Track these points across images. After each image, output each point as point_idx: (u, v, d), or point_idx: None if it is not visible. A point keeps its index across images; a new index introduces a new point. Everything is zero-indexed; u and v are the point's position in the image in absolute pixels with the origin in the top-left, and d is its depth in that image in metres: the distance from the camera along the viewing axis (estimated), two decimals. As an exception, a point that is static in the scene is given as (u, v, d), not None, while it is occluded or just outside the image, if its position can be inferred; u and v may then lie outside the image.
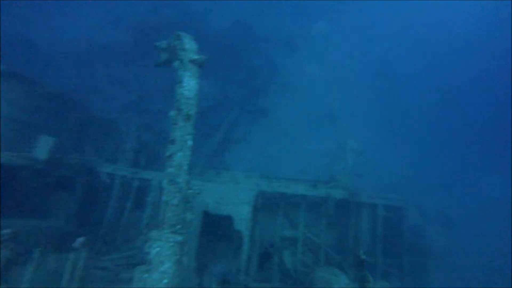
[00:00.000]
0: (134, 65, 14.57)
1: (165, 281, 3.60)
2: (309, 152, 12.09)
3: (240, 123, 12.27)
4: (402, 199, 6.74)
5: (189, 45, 4.33)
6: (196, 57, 4.12)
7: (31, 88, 7.35)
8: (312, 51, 18.12)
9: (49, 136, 6.58)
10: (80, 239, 4.05)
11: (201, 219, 5.71)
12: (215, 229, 6.10)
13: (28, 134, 6.93)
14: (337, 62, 17.65)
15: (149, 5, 19.07)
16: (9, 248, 3.87)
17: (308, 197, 6.75)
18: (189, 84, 3.93)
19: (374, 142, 12.65)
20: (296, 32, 18.99)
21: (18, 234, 3.92)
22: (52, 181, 7.11)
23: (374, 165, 11.13)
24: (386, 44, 20.13)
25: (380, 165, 11.83)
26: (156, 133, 10.06)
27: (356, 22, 20.86)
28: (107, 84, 13.86)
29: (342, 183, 6.48)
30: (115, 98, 13.01)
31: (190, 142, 3.78)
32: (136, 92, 12.74)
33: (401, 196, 6.80)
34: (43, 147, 6.22)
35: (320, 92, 15.34)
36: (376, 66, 17.75)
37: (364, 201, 6.75)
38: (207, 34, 14.86)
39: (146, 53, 14.27)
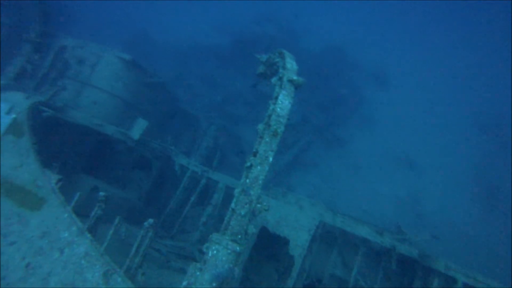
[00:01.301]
0: (226, 69, 15.49)
1: (214, 284, 3.66)
2: (377, 194, 11.40)
3: (313, 147, 12.15)
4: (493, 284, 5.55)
5: (290, 65, 4.43)
6: (295, 78, 4.19)
7: (142, 76, 8.37)
8: (403, 88, 17.24)
9: (144, 119, 7.34)
10: (150, 220, 4.35)
11: (258, 233, 5.73)
12: (268, 247, 6.07)
13: (130, 114, 7.89)
14: (430, 105, 16.43)
15: (253, 16, 20.21)
16: (101, 208, 4.33)
17: (370, 242, 6.31)
18: (283, 103, 4.00)
19: (460, 204, 11.36)
20: (389, 66, 18.33)
21: (108, 198, 4.40)
22: (135, 158, 7.91)
23: (457, 229, 9.98)
24: (494, 90, 17.88)
25: (464, 231, 10.55)
26: (232, 138, 10.48)
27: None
28: (198, 82, 14.94)
29: (412, 240, 5.92)
30: (202, 96, 13.95)
31: (271, 159, 3.82)
32: (222, 95, 13.52)
33: (491, 280, 5.63)
34: (137, 128, 6.96)
35: (403, 134, 14.41)
36: (479, 117, 15.88)
37: (438, 269, 5.85)
38: (300, 53, 15.17)
39: (240, 60, 15.11)
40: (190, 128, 9.78)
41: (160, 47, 17.48)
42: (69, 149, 6.96)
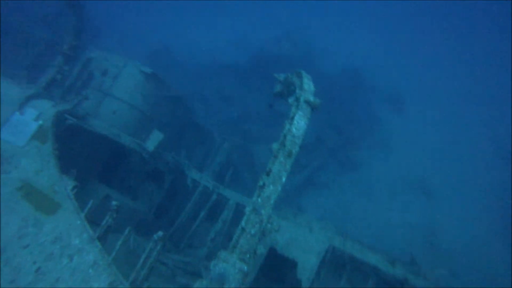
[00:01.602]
0: (243, 86, 15.71)
1: (219, 303, 3.61)
2: (389, 221, 11.10)
3: (327, 169, 12.04)
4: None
5: (307, 86, 4.46)
6: (312, 99, 4.21)
7: (161, 89, 8.60)
8: (420, 113, 17.04)
9: (160, 132, 7.47)
10: (160, 233, 4.37)
11: (266, 254, 5.64)
12: (275, 269, 5.95)
13: (147, 126, 8.07)
14: (448, 131, 16.10)
15: (272, 35, 20.60)
16: (113, 217, 4.39)
17: (381, 272, 6.11)
18: (299, 123, 4.01)
19: (479, 236, 10.91)
20: (407, 89, 18.21)
21: (119, 208, 4.45)
22: (149, 170, 8.00)
23: (476, 264, 9.55)
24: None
25: (484, 267, 10.07)
26: (246, 156, 10.51)
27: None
28: (215, 97, 15.16)
29: (428, 274, 5.68)
30: (218, 112, 14.13)
31: (284, 179, 3.81)
32: (238, 111, 13.68)
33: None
34: (153, 140, 7.08)
35: (419, 160, 14.10)
36: (500, 144, 15.37)
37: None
38: (317, 74, 15.28)
39: (257, 78, 15.34)
40: (204, 143, 9.88)
41: (180, 61, 17.96)
42: (87, 156, 7.13)
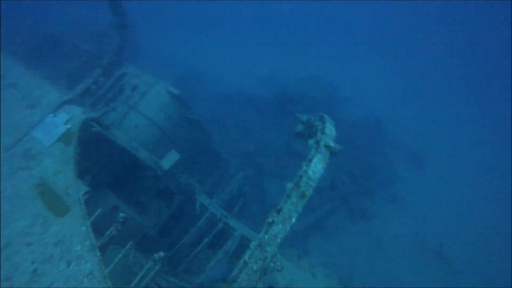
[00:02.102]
0: (263, 120, 15.97)
1: None
2: (398, 280, 10.54)
3: (336, 215, 11.79)
4: None
5: (329, 131, 4.52)
6: (332, 144, 4.26)
7: (184, 111, 8.89)
8: (440, 171, 16.65)
9: (176, 152, 7.61)
10: (161, 254, 4.35)
11: (264, 293, 5.46)
12: (270, 310, 5.72)
13: (165, 145, 8.27)
14: (469, 195, 15.58)
15: (299, 75, 21.18)
16: (117, 229, 4.43)
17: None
18: (317, 167, 4.04)
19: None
20: (429, 145, 17.95)
21: (126, 220, 4.49)
22: (160, 188, 8.07)
23: None
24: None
25: None
26: (257, 189, 10.49)
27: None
28: (234, 127, 15.42)
29: None
30: (235, 141, 14.31)
31: (294, 220, 3.79)
32: (254, 144, 13.81)
33: None
34: (169, 159, 7.21)
35: (438, 223, 13.46)
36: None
37: None
38: (338, 118, 15.44)
39: (279, 115, 15.60)
40: (218, 170, 9.95)
41: (205, 86, 18.57)
42: (103, 164, 7.30)
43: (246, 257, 3.74)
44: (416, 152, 16.65)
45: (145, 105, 8.95)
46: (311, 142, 4.58)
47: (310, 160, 4.12)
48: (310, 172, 4.02)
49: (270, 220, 3.83)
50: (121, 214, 4.62)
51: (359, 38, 36.18)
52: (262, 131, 14.98)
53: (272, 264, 3.77)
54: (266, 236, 3.74)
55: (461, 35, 40.95)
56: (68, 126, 5.43)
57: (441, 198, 14.59)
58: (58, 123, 5.41)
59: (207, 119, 13.68)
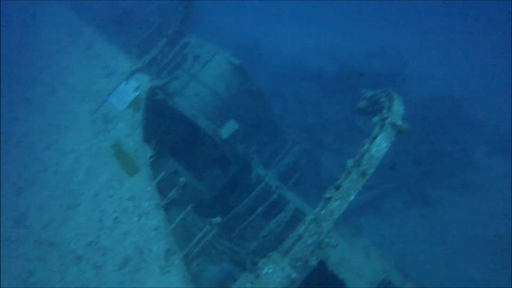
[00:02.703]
0: (324, 94, 15.46)
1: (260, 302, 3.65)
2: (466, 276, 9.62)
3: (394, 197, 11.21)
4: None
5: (397, 108, 4.21)
6: (400, 123, 3.96)
7: (244, 81, 8.94)
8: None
9: (235, 122, 7.76)
10: (218, 219, 4.57)
11: (315, 266, 5.51)
12: (319, 283, 5.77)
13: (224, 114, 8.47)
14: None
15: (363, 49, 19.88)
16: (178, 192, 4.80)
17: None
18: (380, 145, 3.82)
19: None
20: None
21: (186, 185, 4.80)
22: (217, 156, 8.37)
23: None
24: None
25: None
26: (313, 164, 10.36)
27: None
28: (294, 99, 15.18)
29: None
30: (294, 114, 14.14)
31: (352, 197, 3.67)
32: (313, 118, 13.52)
33: None
34: (228, 129, 7.41)
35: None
36: None
37: None
38: (406, 96, 14.25)
39: (340, 90, 14.96)
40: (275, 141, 9.97)
41: (265, 57, 18.32)
42: (166, 130, 7.75)
43: (301, 230, 3.75)
44: (500, 136, 14.71)
45: (206, 74, 9.15)
46: (375, 119, 4.31)
47: (374, 138, 3.90)
48: (373, 150, 3.82)
49: (327, 195, 3.76)
50: (182, 179, 4.92)
51: (429, 10, 32.36)
52: (322, 105, 14.55)
53: (327, 240, 3.74)
54: (323, 211, 3.69)
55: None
56: (138, 93, 5.85)
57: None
58: (129, 90, 5.89)
59: (267, 91, 13.62)
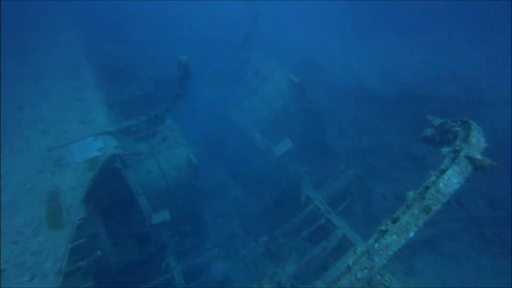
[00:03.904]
0: (381, 118, 14.74)
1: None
2: None
3: (458, 239, 9.97)
4: None
5: (476, 140, 3.80)
6: (479, 157, 3.56)
7: (302, 99, 8.87)
8: None
9: (290, 140, 7.68)
10: (265, 238, 4.49)
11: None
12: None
13: (279, 131, 8.44)
14: None
15: (430, 70, 18.60)
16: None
17: None
18: (451, 180, 3.45)
19: None
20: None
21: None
22: (269, 172, 8.34)
23: None
24: None
25: None
26: (364, 190, 9.83)
27: None
28: (348, 121, 14.65)
29: None
30: (347, 137, 13.62)
31: (412, 234, 3.34)
32: (369, 143, 12.90)
33: None
34: (282, 146, 7.36)
35: None
36: None
37: None
38: (484, 125, 12.94)
39: (401, 114, 14.18)
40: (327, 164, 9.65)
41: (323, 76, 17.92)
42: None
43: (350, 262, 3.50)
44: None
45: (264, 90, 9.27)
46: (445, 150, 3.94)
47: (443, 171, 3.54)
48: (441, 185, 3.47)
49: (383, 228, 3.48)
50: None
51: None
52: (379, 129, 13.82)
53: (378, 277, 3.44)
54: (377, 245, 3.41)
55: None
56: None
57: None
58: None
59: (323, 111, 13.35)
